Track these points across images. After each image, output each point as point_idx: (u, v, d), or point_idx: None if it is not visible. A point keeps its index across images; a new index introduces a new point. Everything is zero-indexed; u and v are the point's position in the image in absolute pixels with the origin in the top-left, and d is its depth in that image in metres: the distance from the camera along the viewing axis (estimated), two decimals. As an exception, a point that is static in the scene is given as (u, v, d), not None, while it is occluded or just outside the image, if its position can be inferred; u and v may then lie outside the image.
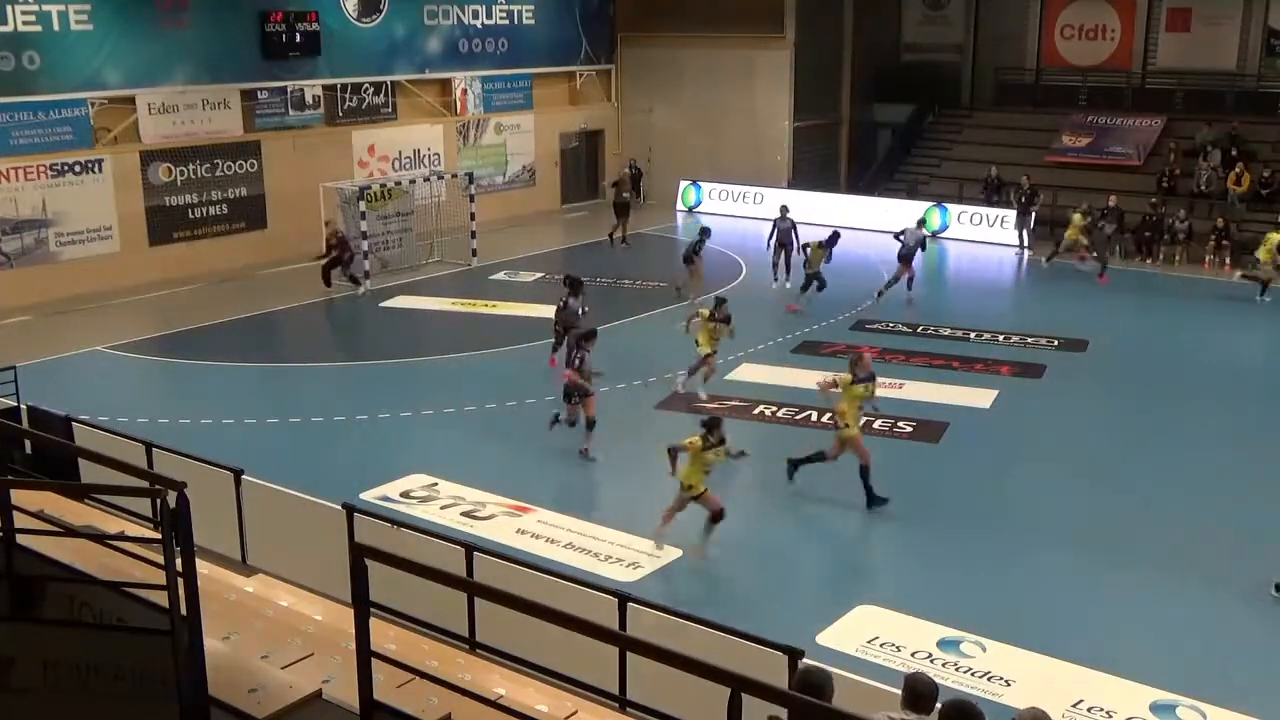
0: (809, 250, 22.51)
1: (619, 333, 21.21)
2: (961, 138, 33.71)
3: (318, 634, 6.37)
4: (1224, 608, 11.46)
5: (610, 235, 28.73)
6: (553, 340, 18.42)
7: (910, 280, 23.35)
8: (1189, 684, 9.92)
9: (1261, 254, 23.76)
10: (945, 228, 29.65)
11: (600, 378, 15.39)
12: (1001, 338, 20.77)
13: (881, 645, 10.61)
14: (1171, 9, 32.21)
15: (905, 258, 23.24)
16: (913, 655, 10.40)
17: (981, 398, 17.52)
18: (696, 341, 17.33)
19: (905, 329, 21.27)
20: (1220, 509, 13.72)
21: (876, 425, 16.22)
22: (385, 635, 6.04)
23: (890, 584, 11.87)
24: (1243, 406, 17.40)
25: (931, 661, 10.24)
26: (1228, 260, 26.47)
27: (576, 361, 14.96)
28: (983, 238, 29.01)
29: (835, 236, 22.73)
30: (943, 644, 10.63)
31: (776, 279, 23.87)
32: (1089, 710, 9.64)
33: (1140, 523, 13.36)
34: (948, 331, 21.06)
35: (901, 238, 23.54)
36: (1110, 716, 9.57)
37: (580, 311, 17.87)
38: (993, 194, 30.02)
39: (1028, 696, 9.27)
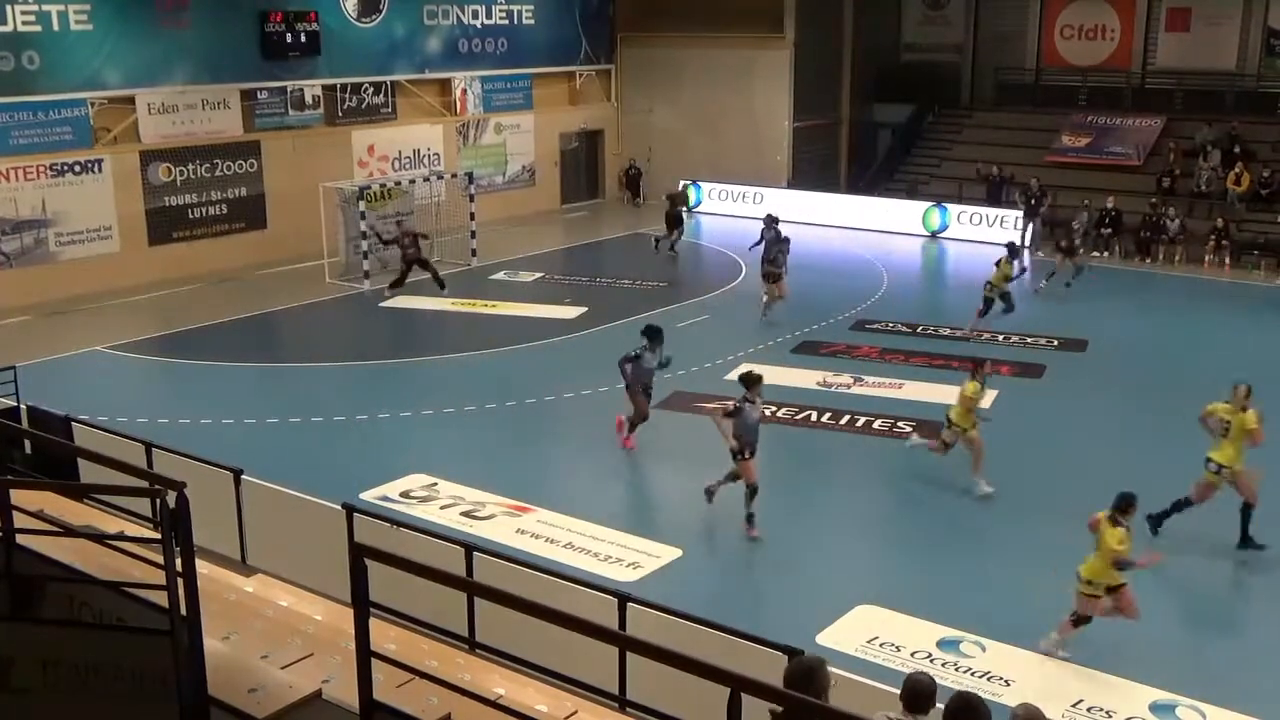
0: (995, 268, 20.79)
1: (619, 331, 21.21)
2: (961, 138, 33.71)
3: (318, 634, 6.36)
4: (1226, 608, 11.47)
5: (671, 244, 27.53)
6: (631, 414, 15.35)
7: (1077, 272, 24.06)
8: (1189, 684, 9.92)
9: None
10: (945, 227, 29.66)
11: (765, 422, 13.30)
12: (1001, 337, 20.76)
13: (881, 645, 10.61)
14: (1171, 9, 32.21)
15: (1069, 250, 23.97)
16: (912, 655, 10.40)
17: (981, 398, 17.47)
18: (947, 420, 14.16)
19: (905, 329, 21.26)
20: (1222, 510, 13.69)
21: (876, 425, 16.25)
22: (385, 635, 6.04)
23: (890, 583, 11.86)
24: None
25: (931, 661, 10.24)
26: (1227, 260, 26.50)
27: (760, 412, 12.86)
28: (983, 237, 28.99)
29: (1014, 250, 21.58)
30: (943, 644, 10.63)
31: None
32: (1089, 710, 9.64)
33: (1140, 523, 13.33)
34: (947, 331, 21.04)
35: (1076, 225, 24.76)
36: (1110, 716, 9.57)
37: (658, 365, 15.47)
38: (996, 192, 30.00)
39: (1027, 696, 9.24)
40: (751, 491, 12.69)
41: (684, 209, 28.93)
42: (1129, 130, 31.14)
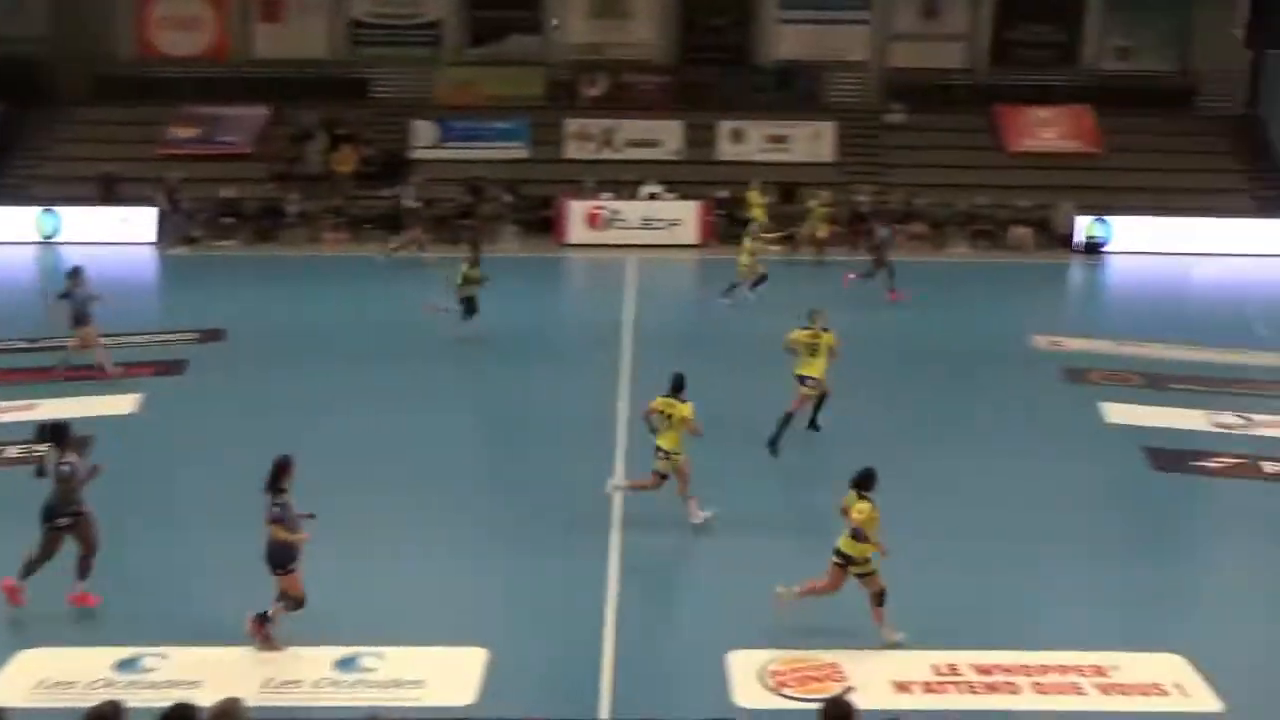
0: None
1: None
2: (65, 135, 31.69)
3: None
4: (435, 557, 12.20)
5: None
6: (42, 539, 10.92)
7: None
8: (367, 634, 10.43)
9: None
10: (57, 232, 27.96)
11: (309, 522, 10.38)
12: (138, 338, 19.94)
13: (53, 686, 9.74)
14: (263, 1, 33.16)
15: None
16: (90, 686, 9.62)
17: (124, 404, 16.70)
18: (658, 447, 12.34)
19: (25, 344, 19.43)
20: (386, 466, 14.52)
21: (10, 453, 14.68)
22: None
23: (47, 621, 10.79)
24: (378, 361, 18.82)
25: (111, 687, 9.54)
26: (347, 236, 28.29)
27: (276, 512, 10.06)
28: (105, 238, 27.70)
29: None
30: (121, 665, 10.04)
31: None
32: (281, 685, 9.78)
33: (334, 491, 13.26)
34: (53, 342, 18.74)
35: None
36: (301, 685, 9.81)
37: (86, 472, 10.98)
38: (110, 192, 28.82)
39: (219, 692, 9.03)
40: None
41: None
42: (237, 119, 31.62)
